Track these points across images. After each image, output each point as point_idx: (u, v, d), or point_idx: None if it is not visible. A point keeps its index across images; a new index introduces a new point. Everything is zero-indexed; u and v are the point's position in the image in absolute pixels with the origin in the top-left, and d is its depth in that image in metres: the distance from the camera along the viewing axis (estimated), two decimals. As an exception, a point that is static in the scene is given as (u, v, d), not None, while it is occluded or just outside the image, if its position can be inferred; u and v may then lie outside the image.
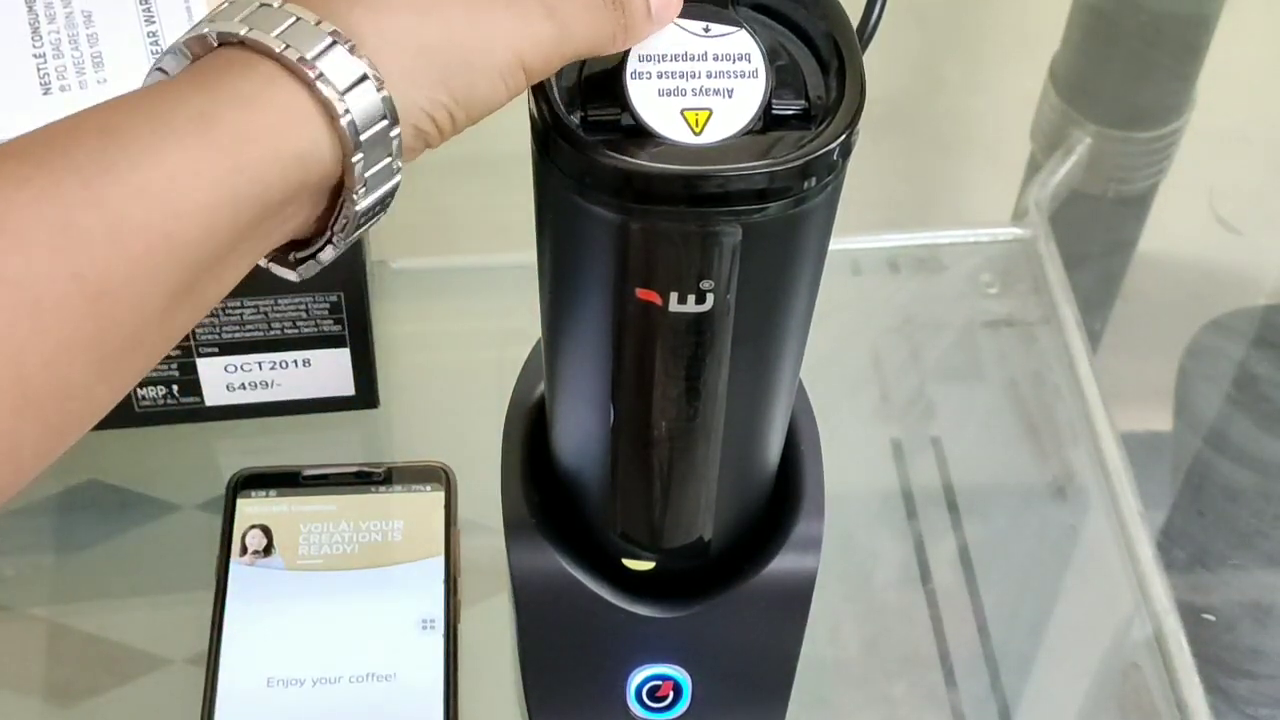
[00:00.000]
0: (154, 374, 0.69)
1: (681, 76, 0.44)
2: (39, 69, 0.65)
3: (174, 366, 0.69)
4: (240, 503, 0.69)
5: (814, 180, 0.43)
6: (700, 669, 0.60)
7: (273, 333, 0.69)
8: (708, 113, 0.43)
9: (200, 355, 0.69)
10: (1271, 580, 0.80)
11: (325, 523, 0.69)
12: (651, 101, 0.43)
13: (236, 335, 0.68)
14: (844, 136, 0.43)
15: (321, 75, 0.38)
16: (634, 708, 0.61)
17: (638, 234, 0.43)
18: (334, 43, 0.39)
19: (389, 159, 0.40)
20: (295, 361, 0.72)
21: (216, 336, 0.68)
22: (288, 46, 0.38)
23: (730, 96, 0.43)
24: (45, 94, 0.65)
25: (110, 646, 0.69)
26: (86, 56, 0.66)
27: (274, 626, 0.66)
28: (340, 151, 0.39)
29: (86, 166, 0.36)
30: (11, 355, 0.34)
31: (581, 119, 0.44)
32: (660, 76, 0.44)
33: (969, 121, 1.01)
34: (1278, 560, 0.80)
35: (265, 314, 0.67)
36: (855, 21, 0.47)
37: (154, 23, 0.67)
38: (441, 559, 0.68)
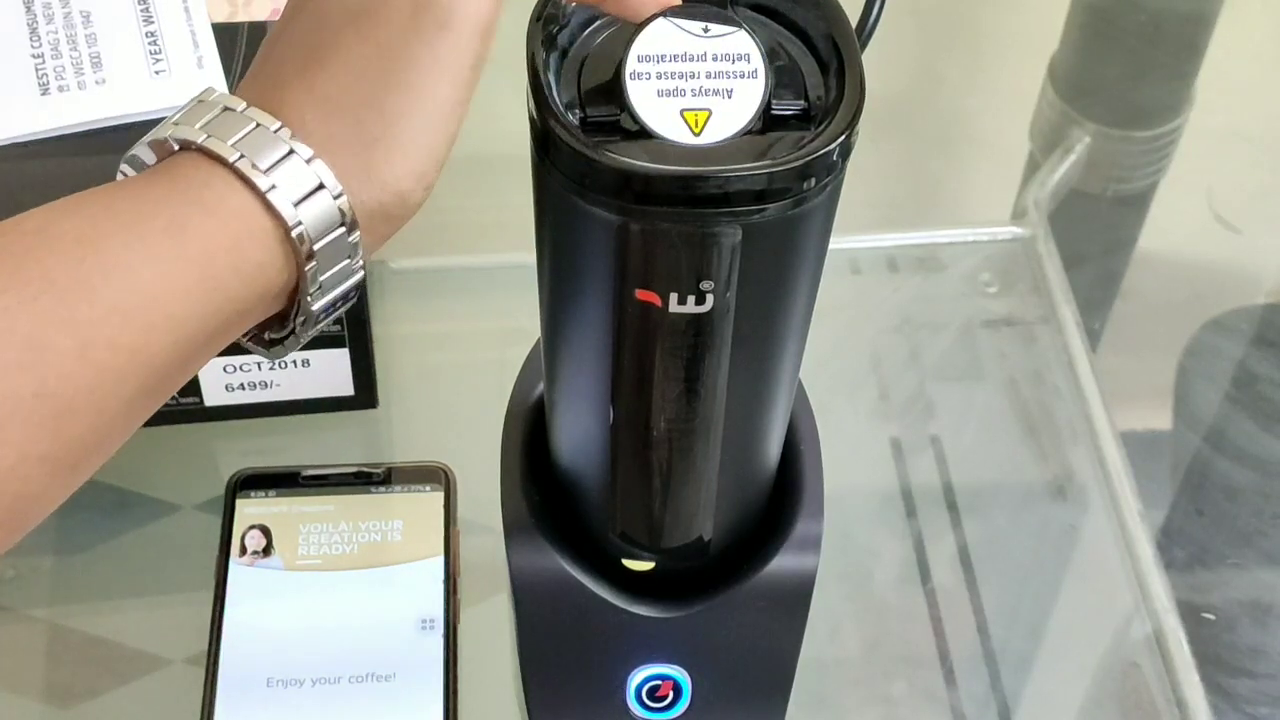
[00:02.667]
0: (153, 374, 0.69)
1: (681, 77, 0.44)
2: (38, 69, 0.65)
3: (173, 367, 0.69)
4: (239, 503, 0.69)
5: (814, 181, 0.43)
6: (700, 669, 0.60)
7: (272, 333, 0.69)
8: (707, 113, 0.43)
9: (200, 355, 0.69)
10: (1271, 579, 0.80)
11: (325, 523, 0.69)
12: (651, 102, 0.43)
13: (236, 335, 0.68)
14: (844, 137, 0.43)
15: (274, 188, 0.39)
16: (634, 708, 0.61)
17: (637, 235, 0.43)
18: (290, 151, 0.39)
19: (346, 261, 0.40)
20: (294, 361, 0.72)
21: (216, 337, 0.68)
22: (241, 156, 0.39)
23: (730, 97, 0.43)
24: (44, 94, 0.65)
25: (110, 647, 0.69)
26: (85, 56, 0.66)
27: (274, 627, 0.66)
28: (294, 260, 0.40)
29: (61, 281, 0.36)
30: None
31: (581, 120, 0.44)
32: (659, 77, 0.44)
33: (968, 121, 1.01)
34: (1277, 559, 0.80)
35: (265, 314, 0.67)
36: (855, 21, 0.47)
37: (152, 23, 0.67)
38: (441, 559, 0.68)
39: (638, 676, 0.60)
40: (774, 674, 0.61)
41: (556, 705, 0.62)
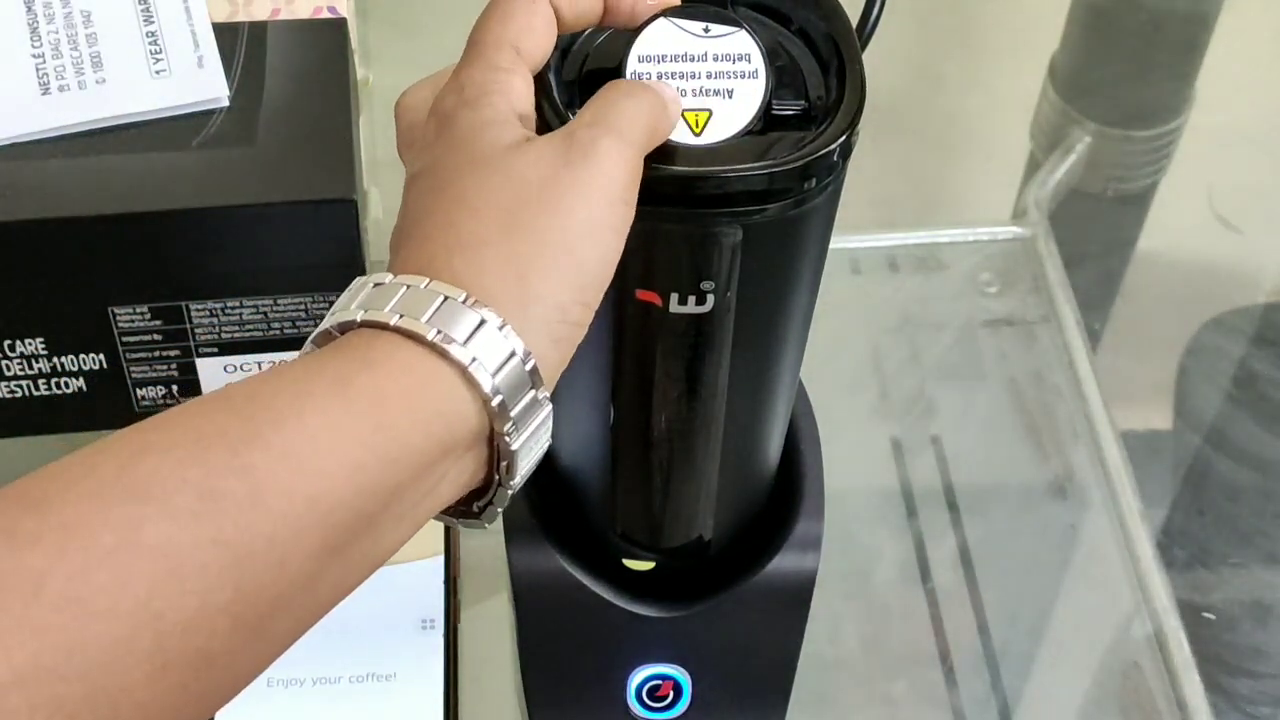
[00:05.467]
0: (154, 374, 0.69)
1: (681, 77, 0.44)
2: (38, 69, 0.65)
3: (173, 366, 0.69)
4: (240, 503, 0.69)
5: (814, 181, 0.43)
6: (700, 669, 0.60)
7: (272, 332, 0.68)
8: (707, 113, 0.43)
9: (200, 355, 0.69)
10: (1271, 579, 0.80)
11: (325, 523, 0.69)
12: (651, 102, 0.43)
13: (236, 335, 0.68)
14: (844, 137, 0.43)
15: (441, 333, 0.39)
16: (634, 707, 0.61)
17: (638, 235, 0.43)
18: (445, 298, 0.39)
19: (532, 392, 0.40)
20: (295, 361, 0.72)
21: (216, 336, 0.68)
22: (402, 316, 0.39)
23: (730, 97, 0.43)
24: (44, 94, 0.65)
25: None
26: (85, 56, 0.66)
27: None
28: (480, 402, 0.39)
29: (231, 431, 0.37)
30: (150, 620, 0.34)
31: (581, 119, 0.44)
32: (660, 77, 0.44)
33: (969, 121, 1.01)
34: (1277, 559, 0.80)
35: (265, 314, 0.67)
36: (855, 21, 0.47)
37: (152, 23, 0.67)
38: (441, 559, 0.68)
39: (638, 676, 0.60)
40: (774, 674, 0.61)
41: (556, 705, 0.62)
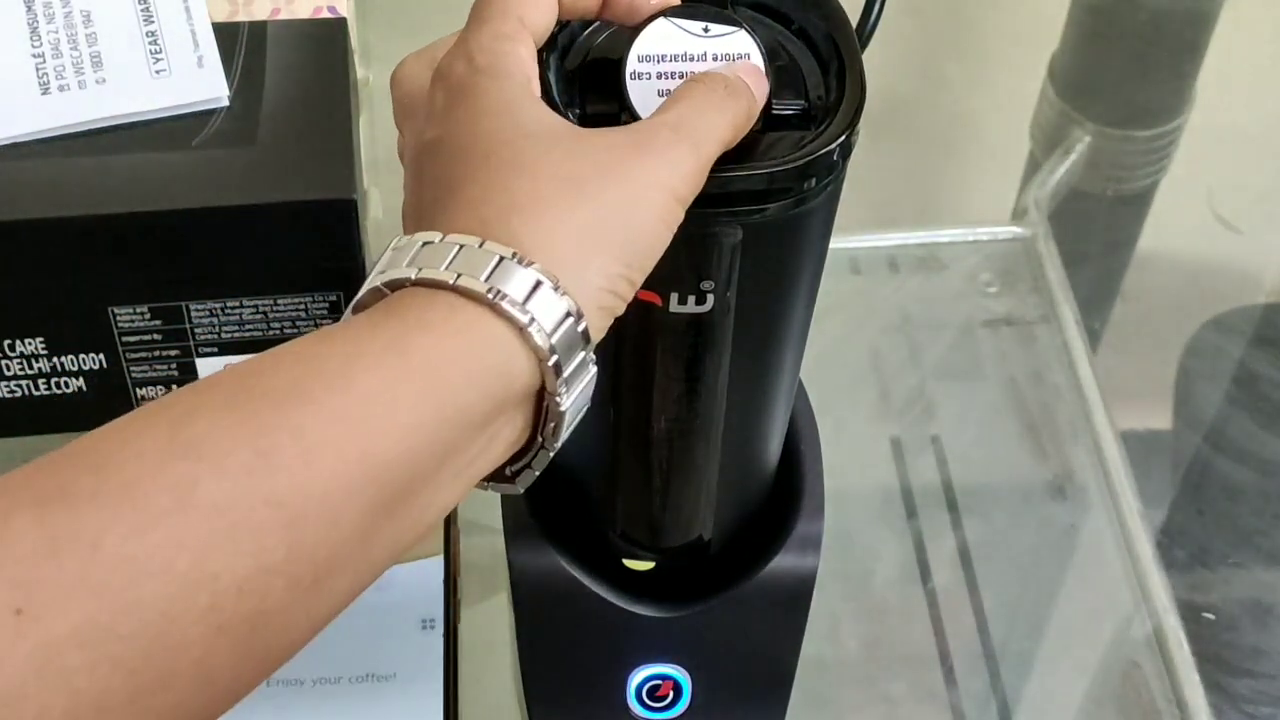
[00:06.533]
0: (154, 374, 0.69)
1: (681, 76, 0.44)
2: (38, 69, 0.65)
3: (173, 366, 0.69)
4: (240, 503, 0.69)
5: (814, 181, 0.43)
6: (700, 669, 0.60)
7: (272, 332, 0.68)
8: (707, 113, 0.43)
9: (200, 355, 0.69)
10: (1271, 579, 0.80)
11: (325, 523, 0.69)
12: (651, 101, 0.43)
13: (236, 335, 0.68)
14: (844, 137, 0.43)
15: (499, 292, 0.39)
16: (634, 707, 0.61)
17: (637, 234, 0.43)
18: (501, 258, 0.39)
19: (582, 353, 0.40)
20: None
21: (216, 336, 0.68)
22: (460, 275, 0.39)
23: (730, 96, 0.43)
24: (44, 94, 0.65)
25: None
26: (85, 56, 0.66)
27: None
28: (535, 360, 0.39)
29: (282, 392, 0.37)
30: (206, 580, 0.35)
31: (581, 119, 0.44)
32: (660, 76, 0.44)
33: (969, 121, 1.01)
34: (1278, 559, 0.80)
35: (265, 314, 0.67)
36: (855, 21, 0.47)
37: (153, 23, 0.67)
38: (441, 559, 0.68)
39: (638, 676, 0.60)
40: (774, 674, 0.61)
41: (556, 705, 0.62)
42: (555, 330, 0.39)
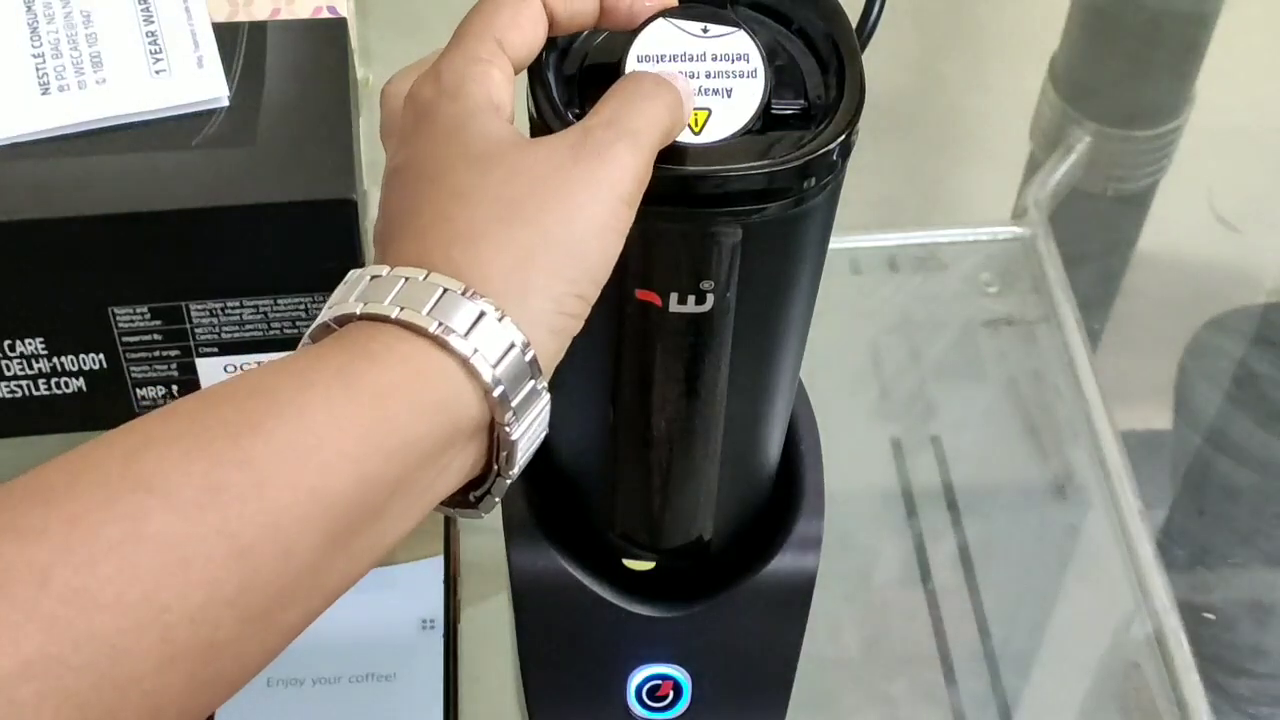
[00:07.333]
0: (154, 374, 0.69)
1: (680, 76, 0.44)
2: (38, 69, 0.65)
3: (173, 366, 0.69)
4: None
5: (813, 180, 0.43)
6: (700, 669, 0.60)
7: (272, 332, 0.68)
8: (706, 113, 0.43)
9: (200, 355, 0.69)
10: (1271, 579, 0.80)
11: (325, 523, 0.69)
12: (651, 102, 0.43)
13: (236, 335, 0.68)
14: (843, 136, 0.43)
15: (442, 325, 0.39)
16: (634, 708, 0.61)
17: (637, 234, 0.43)
18: (445, 290, 0.39)
19: (531, 382, 0.40)
20: (295, 361, 0.72)
21: (216, 336, 0.68)
22: (402, 309, 0.39)
23: (729, 96, 0.43)
24: (44, 94, 0.65)
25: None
26: (86, 56, 0.66)
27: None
28: (481, 392, 0.39)
29: (233, 424, 0.37)
30: (157, 612, 0.35)
31: (580, 119, 0.44)
32: (659, 76, 0.44)
33: (969, 121, 1.01)
34: (1277, 559, 0.80)
35: (265, 314, 0.67)
36: (855, 21, 0.47)
37: (153, 23, 0.67)
38: (441, 559, 0.68)
39: (638, 676, 0.60)
40: (774, 673, 0.61)
41: (556, 705, 0.62)
42: (500, 361, 0.39)
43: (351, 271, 0.41)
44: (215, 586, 0.35)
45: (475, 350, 0.39)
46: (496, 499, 0.43)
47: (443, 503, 0.42)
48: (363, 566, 0.40)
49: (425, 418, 0.39)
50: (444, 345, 0.39)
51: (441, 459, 0.40)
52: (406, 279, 0.40)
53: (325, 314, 0.41)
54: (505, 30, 0.42)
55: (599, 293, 0.41)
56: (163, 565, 0.35)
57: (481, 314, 0.39)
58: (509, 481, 0.42)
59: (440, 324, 0.39)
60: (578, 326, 0.41)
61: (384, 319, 0.39)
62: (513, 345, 0.39)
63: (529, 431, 0.41)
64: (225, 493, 0.36)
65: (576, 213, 0.40)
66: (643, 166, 0.41)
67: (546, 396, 0.41)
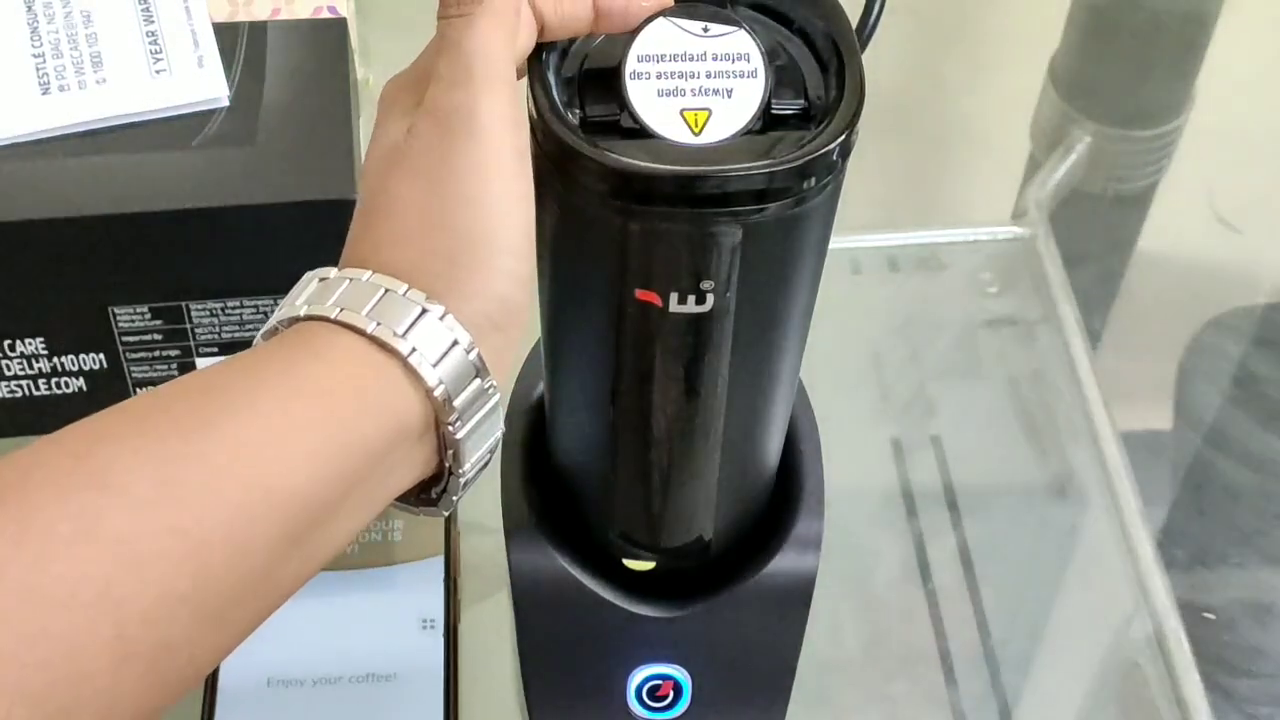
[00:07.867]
0: (154, 374, 0.69)
1: (680, 76, 0.44)
2: (38, 69, 0.65)
3: (173, 366, 0.69)
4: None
5: (814, 180, 0.43)
6: (700, 669, 0.60)
7: (272, 333, 0.69)
8: (707, 113, 0.43)
9: (200, 355, 0.69)
10: (1272, 579, 0.80)
11: (325, 523, 0.69)
12: (650, 101, 0.43)
13: (236, 335, 0.68)
14: (844, 136, 0.43)
15: (380, 325, 0.39)
16: (634, 708, 0.61)
17: (637, 235, 0.43)
18: (386, 290, 0.39)
19: (478, 380, 0.40)
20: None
21: (216, 336, 0.68)
22: (342, 309, 0.39)
23: (729, 96, 0.43)
24: (44, 94, 0.65)
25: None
26: (85, 56, 0.66)
27: (274, 626, 0.66)
28: (423, 391, 0.39)
29: (186, 420, 0.37)
30: (111, 610, 0.35)
31: (580, 119, 0.44)
32: (659, 77, 0.44)
33: (969, 121, 1.01)
34: (1277, 559, 0.80)
35: (265, 314, 0.67)
36: (855, 21, 0.47)
37: (153, 23, 0.67)
38: (441, 559, 0.68)
39: (638, 676, 0.60)
40: (774, 674, 0.61)
41: (556, 705, 0.62)
42: (441, 360, 0.39)
43: (305, 274, 0.42)
44: (169, 584, 0.35)
45: (414, 349, 0.39)
46: (454, 498, 0.43)
47: (403, 499, 0.42)
48: (315, 565, 0.40)
49: (370, 416, 0.39)
50: (382, 344, 0.39)
51: (389, 458, 0.40)
52: (351, 280, 0.40)
53: (275, 316, 0.41)
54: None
55: (534, 263, 0.41)
56: (115, 563, 0.35)
57: (422, 312, 0.39)
58: (464, 481, 0.42)
59: (379, 323, 0.39)
60: (525, 309, 0.41)
61: (325, 319, 0.39)
62: (455, 344, 0.39)
63: (477, 431, 0.41)
64: (178, 489, 0.36)
65: (476, 205, 0.40)
66: (510, 120, 0.41)
67: (497, 396, 0.41)
